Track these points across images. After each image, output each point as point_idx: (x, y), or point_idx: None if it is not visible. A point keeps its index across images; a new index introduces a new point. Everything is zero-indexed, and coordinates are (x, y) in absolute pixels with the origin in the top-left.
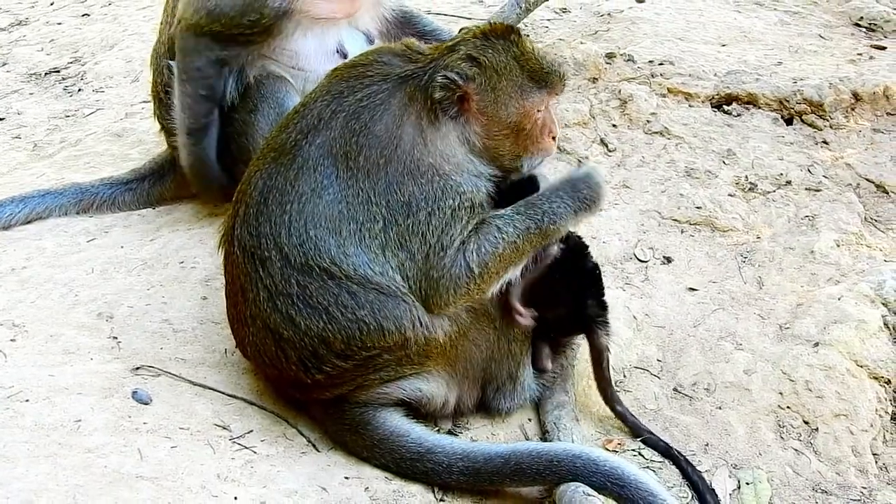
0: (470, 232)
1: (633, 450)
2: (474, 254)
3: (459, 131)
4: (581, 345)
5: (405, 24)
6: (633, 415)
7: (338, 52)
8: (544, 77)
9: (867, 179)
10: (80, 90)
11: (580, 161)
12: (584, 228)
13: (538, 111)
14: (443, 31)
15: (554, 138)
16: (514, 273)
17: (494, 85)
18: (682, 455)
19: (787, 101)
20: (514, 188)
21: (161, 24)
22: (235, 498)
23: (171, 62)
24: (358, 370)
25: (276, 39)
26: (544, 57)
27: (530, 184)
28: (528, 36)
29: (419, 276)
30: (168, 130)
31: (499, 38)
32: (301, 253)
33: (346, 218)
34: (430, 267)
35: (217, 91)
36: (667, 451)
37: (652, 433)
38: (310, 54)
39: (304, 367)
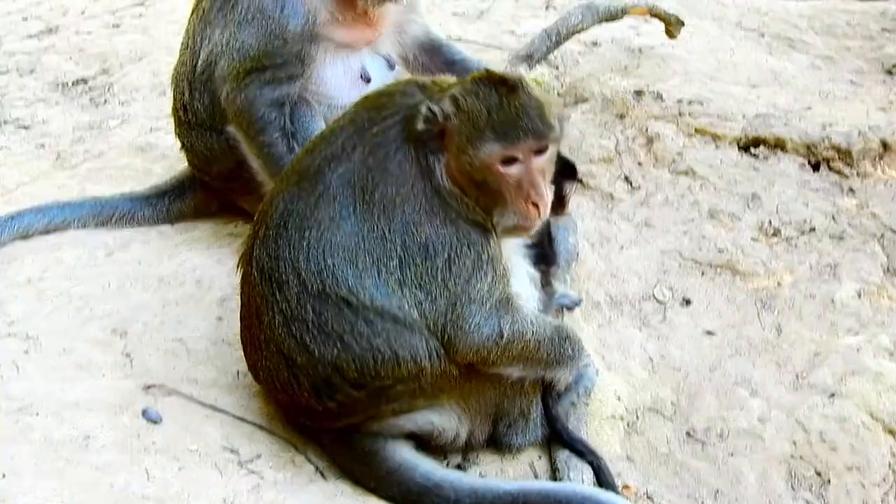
0: (505, 300)
1: (644, 495)
2: (508, 325)
3: (440, 170)
4: (595, 382)
5: (432, 52)
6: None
7: (362, 77)
8: (505, 129)
9: (892, 230)
10: (106, 101)
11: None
12: (604, 264)
13: (503, 165)
14: (471, 61)
15: (536, 205)
16: (518, 372)
17: (462, 129)
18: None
19: (815, 147)
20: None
21: (182, 45)
22: None
23: (227, 128)
24: (371, 400)
25: (311, 68)
26: (525, 112)
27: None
28: (532, 88)
29: (441, 320)
30: (188, 149)
31: (487, 85)
32: (319, 280)
33: (362, 251)
34: (459, 317)
35: (287, 129)
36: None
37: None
38: (337, 80)
39: (317, 395)
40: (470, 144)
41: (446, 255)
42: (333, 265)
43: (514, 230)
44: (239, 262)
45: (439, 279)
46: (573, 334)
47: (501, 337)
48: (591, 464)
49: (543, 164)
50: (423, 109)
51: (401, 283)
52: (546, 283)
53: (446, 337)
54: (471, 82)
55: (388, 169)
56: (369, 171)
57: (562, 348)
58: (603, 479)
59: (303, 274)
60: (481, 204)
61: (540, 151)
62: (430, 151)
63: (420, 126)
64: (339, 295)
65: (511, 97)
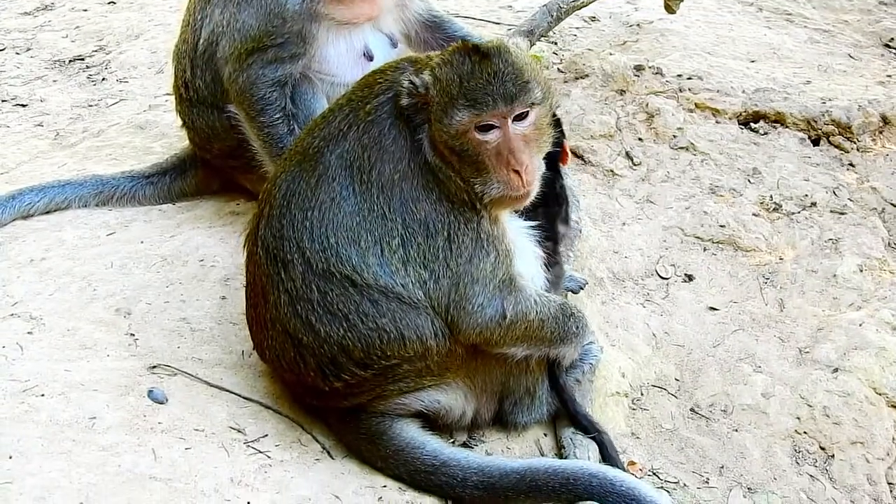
0: (508, 280)
1: (649, 471)
2: (512, 306)
3: (426, 143)
4: (599, 359)
5: (434, 28)
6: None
7: (364, 55)
8: (474, 96)
9: (892, 204)
10: (104, 79)
11: (606, 173)
12: (606, 241)
13: (479, 133)
14: (472, 37)
15: (517, 172)
16: (523, 351)
17: (438, 99)
18: (605, 437)
19: (815, 122)
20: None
21: (182, 22)
22: (248, 503)
23: (229, 107)
24: (377, 380)
25: (313, 47)
26: (497, 77)
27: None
28: (515, 56)
29: (444, 300)
30: (190, 126)
31: (460, 56)
32: (323, 259)
33: (364, 230)
34: (462, 297)
35: (287, 110)
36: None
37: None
38: (340, 59)
39: (323, 374)
40: (444, 114)
41: (446, 234)
42: (337, 244)
43: (505, 202)
44: (244, 242)
45: (441, 258)
46: (577, 312)
47: (504, 318)
48: (595, 439)
49: (525, 131)
50: (406, 83)
51: (404, 262)
52: (555, 263)
53: (450, 317)
54: (449, 53)
55: (383, 146)
56: (364, 150)
57: (566, 326)
58: (608, 454)
59: (307, 253)
60: (465, 175)
61: (519, 118)
62: (417, 125)
63: (404, 101)
64: (344, 273)
65: (483, 64)
